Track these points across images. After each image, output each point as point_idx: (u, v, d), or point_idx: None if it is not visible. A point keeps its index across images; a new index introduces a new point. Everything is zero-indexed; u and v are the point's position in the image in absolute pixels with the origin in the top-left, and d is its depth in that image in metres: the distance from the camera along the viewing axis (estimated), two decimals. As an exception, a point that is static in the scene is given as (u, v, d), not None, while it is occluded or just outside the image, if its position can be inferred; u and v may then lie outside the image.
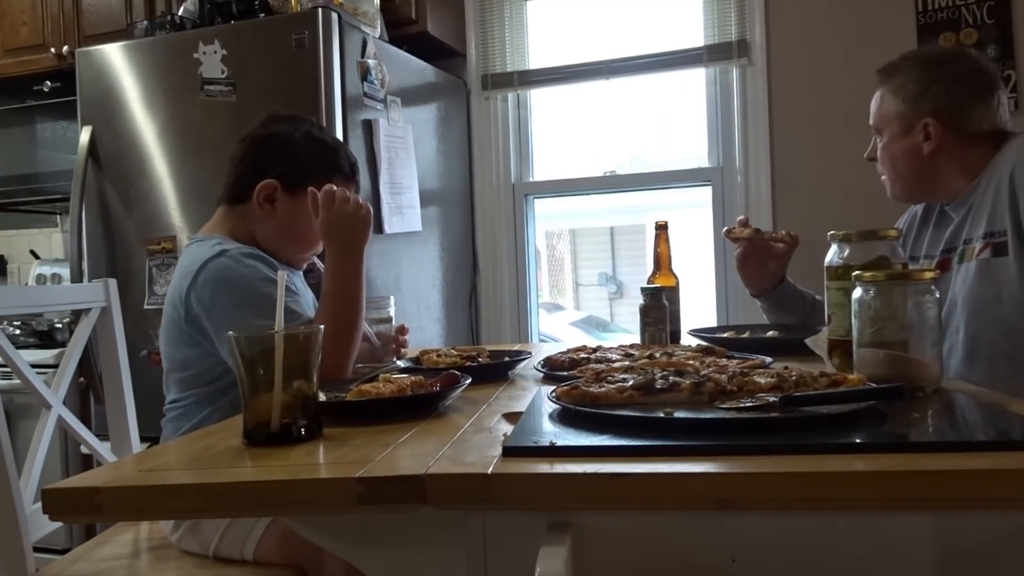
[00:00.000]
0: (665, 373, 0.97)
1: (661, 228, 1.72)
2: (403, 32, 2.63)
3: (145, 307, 2.29)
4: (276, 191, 1.46)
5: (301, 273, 1.63)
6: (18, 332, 2.73)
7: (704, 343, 1.40)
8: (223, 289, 1.34)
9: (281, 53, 2.15)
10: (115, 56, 2.36)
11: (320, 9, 2.12)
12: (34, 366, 1.51)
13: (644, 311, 1.54)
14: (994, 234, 1.41)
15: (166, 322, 1.43)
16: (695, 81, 2.78)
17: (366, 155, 2.25)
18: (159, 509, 0.80)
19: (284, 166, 1.46)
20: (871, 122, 1.59)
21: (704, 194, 2.75)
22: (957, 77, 1.50)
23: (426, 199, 2.57)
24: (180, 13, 2.44)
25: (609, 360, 1.25)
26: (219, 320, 1.33)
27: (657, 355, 1.24)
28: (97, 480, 0.76)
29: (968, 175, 1.49)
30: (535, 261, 3.02)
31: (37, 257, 3.40)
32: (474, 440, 0.85)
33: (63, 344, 2.62)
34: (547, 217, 3.22)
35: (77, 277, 2.40)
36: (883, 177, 1.61)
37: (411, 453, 0.80)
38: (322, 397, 0.99)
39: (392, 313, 1.53)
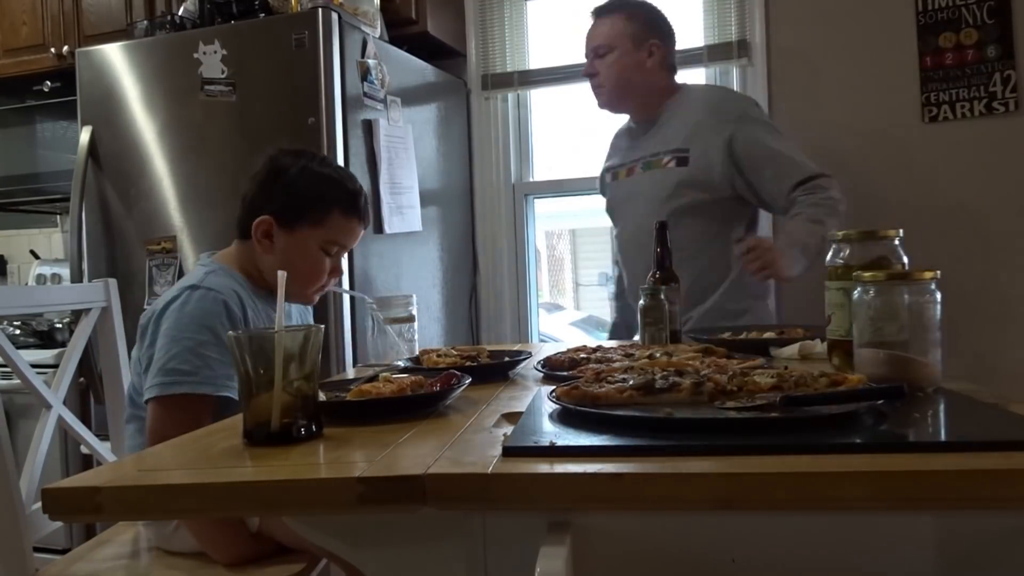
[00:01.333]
0: (665, 373, 0.97)
1: (661, 228, 1.71)
2: (403, 32, 2.62)
3: (145, 307, 2.28)
4: (272, 227, 1.44)
5: (302, 309, 1.62)
6: (18, 332, 2.73)
7: (704, 343, 1.40)
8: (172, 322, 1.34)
9: (281, 53, 2.15)
10: (115, 56, 2.36)
11: (320, 9, 2.12)
12: (34, 366, 1.51)
13: (644, 311, 1.54)
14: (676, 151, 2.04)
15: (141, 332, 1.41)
16: (695, 81, 2.77)
17: (366, 155, 2.25)
18: (159, 509, 0.80)
19: (278, 202, 1.44)
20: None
21: (704, 194, 2.74)
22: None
23: (426, 199, 2.57)
24: (180, 13, 2.44)
25: (609, 360, 1.25)
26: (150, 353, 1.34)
27: (657, 355, 1.24)
28: (97, 480, 0.76)
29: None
30: (535, 261, 3.02)
31: (37, 257, 3.40)
32: (474, 440, 0.85)
33: (63, 344, 2.62)
34: (547, 217, 3.23)
35: (77, 277, 2.40)
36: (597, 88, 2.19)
37: (411, 453, 0.80)
38: (322, 397, 0.99)
39: (414, 312, 1.54)
